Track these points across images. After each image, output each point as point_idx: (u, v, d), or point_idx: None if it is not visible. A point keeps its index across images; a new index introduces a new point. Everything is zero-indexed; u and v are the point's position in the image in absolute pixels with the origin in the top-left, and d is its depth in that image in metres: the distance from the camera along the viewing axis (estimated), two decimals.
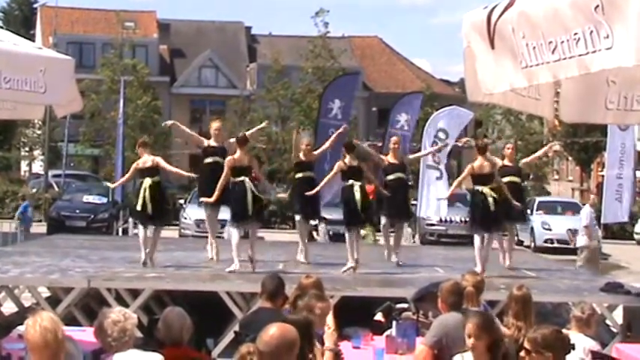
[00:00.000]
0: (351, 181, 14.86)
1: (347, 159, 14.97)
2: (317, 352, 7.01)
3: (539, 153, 18.98)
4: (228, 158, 14.47)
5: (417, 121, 25.89)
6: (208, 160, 15.51)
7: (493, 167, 14.79)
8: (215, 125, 15.97)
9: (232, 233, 14.58)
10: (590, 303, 9.36)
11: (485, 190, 14.59)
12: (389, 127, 26.33)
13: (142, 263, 14.57)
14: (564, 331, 8.21)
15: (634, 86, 7.02)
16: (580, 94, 7.13)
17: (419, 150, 21.20)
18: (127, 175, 15.79)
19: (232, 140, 15.40)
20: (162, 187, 15.21)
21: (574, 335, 8.02)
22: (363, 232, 16.47)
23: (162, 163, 15.10)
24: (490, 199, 14.51)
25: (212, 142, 15.59)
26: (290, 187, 17.53)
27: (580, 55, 5.07)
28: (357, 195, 14.71)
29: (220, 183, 14.41)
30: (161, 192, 15.04)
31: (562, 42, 5.18)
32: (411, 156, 17.76)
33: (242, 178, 14.22)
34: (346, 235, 15.00)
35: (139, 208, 14.71)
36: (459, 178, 16.11)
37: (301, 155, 15.78)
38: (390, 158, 15.89)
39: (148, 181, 14.60)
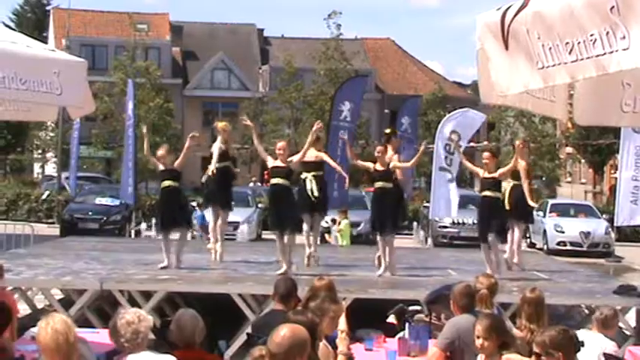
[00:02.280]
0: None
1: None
2: (330, 356, 7.00)
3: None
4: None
5: (417, 123, 26.12)
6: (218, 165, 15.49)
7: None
8: (221, 125, 15.89)
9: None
10: (613, 305, 9.38)
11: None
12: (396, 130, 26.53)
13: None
14: (585, 331, 8.27)
15: None
16: (595, 96, 7.10)
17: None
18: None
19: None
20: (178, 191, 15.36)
21: (593, 335, 8.07)
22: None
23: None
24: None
25: (222, 146, 15.52)
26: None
27: (597, 56, 5.05)
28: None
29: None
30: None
31: (579, 42, 5.16)
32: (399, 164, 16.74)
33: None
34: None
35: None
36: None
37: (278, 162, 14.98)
38: (377, 166, 15.37)
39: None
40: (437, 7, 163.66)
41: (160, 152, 15.12)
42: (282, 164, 14.30)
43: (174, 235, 15.29)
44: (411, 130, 26.07)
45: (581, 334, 8.09)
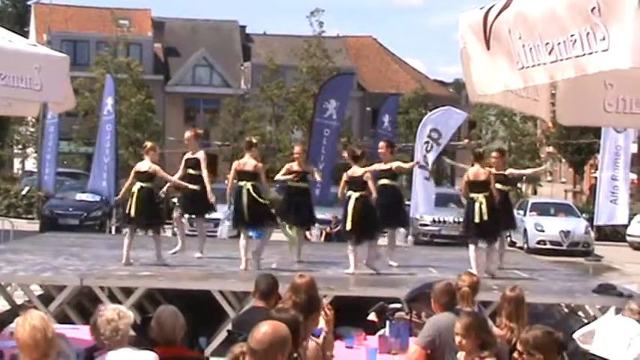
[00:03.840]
0: (349, 192, 14.74)
1: (350, 170, 14.81)
2: (320, 357, 7.01)
3: (529, 172, 17.52)
4: (235, 162, 14.90)
5: (396, 121, 26.34)
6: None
7: (489, 175, 14.72)
8: (185, 135, 16.16)
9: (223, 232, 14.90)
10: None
11: (480, 198, 14.52)
12: (377, 128, 26.82)
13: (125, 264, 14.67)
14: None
15: (631, 89, 7.02)
16: (578, 97, 7.12)
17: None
18: (128, 182, 15.56)
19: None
20: (152, 192, 15.12)
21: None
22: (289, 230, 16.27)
23: (161, 173, 15.08)
24: (484, 208, 14.44)
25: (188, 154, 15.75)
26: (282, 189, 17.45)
27: (576, 57, 5.07)
28: (350, 206, 14.57)
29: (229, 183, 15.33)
30: (151, 197, 15.03)
31: (559, 43, 5.18)
32: (406, 165, 16.95)
33: (242, 182, 14.54)
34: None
35: (127, 211, 14.88)
36: (461, 187, 15.77)
37: (295, 165, 15.59)
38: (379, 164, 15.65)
39: (137, 186, 14.74)
40: (419, 6, 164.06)
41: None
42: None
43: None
44: (391, 128, 26.32)
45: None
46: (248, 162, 14.61)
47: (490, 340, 6.93)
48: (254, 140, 15.29)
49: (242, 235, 14.74)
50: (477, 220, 14.47)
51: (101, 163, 25.60)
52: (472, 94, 6.68)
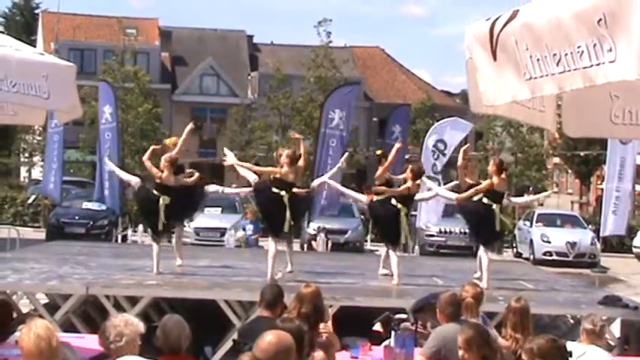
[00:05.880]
0: (399, 205, 14.77)
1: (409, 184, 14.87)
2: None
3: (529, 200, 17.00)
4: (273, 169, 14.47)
5: (407, 131, 26.24)
6: None
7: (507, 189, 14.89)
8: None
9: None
10: (600, 315, 9.39)
11: (496, 207, 14.56)
12: (385, 138, 26.82)
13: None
14: (575, 343, 8.26)
15: (638, 101, 7.02)
16: (584, 108, 7.13)
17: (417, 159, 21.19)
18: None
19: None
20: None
21: (587, 347, 8.07)
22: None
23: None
24: (497, 219, 14.53)
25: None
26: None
27: (584, 68, 5.07)
28: (403, 221, 14.72)
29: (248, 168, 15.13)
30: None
31: (566, 54, 5.19)
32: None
33: (282, 192, 14.18)
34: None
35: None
36: (478, 188, 15.43)
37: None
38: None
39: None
40: (424, 17, 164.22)
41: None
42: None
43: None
44: (402, 138, 26.31)
45: (576, 347, 8.13)
46: (290, 173, 14.30)
47: (492, 352, 6.93)
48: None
49: (274, 245, 14.41)
50: (498, 228, 14.65)
51: (102, 171, 25.37)
52: (474, 104, 6.69)
